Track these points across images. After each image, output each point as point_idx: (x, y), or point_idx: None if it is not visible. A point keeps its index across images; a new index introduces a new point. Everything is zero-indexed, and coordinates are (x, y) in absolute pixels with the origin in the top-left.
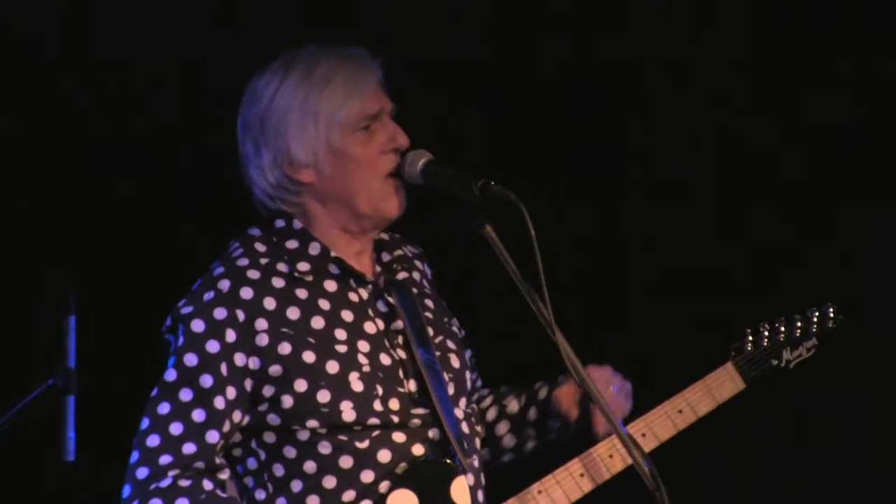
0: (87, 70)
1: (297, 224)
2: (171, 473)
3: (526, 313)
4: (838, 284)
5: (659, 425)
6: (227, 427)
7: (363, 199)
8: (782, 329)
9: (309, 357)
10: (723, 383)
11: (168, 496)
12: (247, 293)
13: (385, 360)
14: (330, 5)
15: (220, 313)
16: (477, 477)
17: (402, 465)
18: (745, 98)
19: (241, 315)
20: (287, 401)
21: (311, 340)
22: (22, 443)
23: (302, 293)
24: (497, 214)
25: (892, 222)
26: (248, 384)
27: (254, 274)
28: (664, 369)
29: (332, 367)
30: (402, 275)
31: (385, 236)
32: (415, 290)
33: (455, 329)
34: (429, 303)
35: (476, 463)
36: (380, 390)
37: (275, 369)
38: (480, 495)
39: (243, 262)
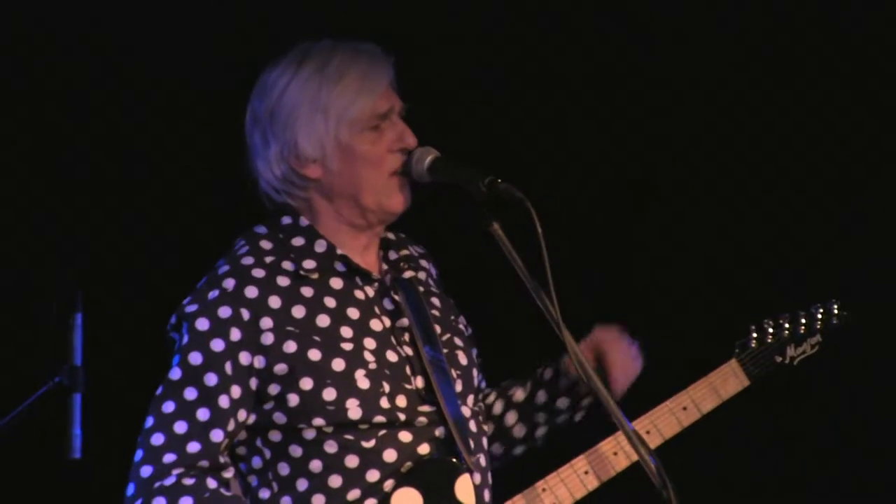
0: (88, 67)
1: (304, 221)
2: (176, 472)
3: (533, 311)
4: (843, 281)
5: (664, 422)
6: (231, 426)
7: (368, 195)
8: (786, 326)
9: (315, 355)
10: (727, 380)
11: (172, 494)
12: (252, 292)
13: (392, 357)
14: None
15: (224, 312)
16: (483, 476)
17: (408, 464)
18: (750, 96)
19: (245, 314)
20: (293, 399)
21: (317, 338)
22: (28, 440)
23: (307, 291)
24: (505, 212)
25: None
26: (253, 383)
27: (259, 272)
28: (668, 366)
29: (338, 364)
30: (408, 273)
31: (391, 236)
32: (421, 289)
33: (462, 327)
34: (435, 301)
35: (483, 462)
36: (386, 387)
37: (280, 368)
38: (487, 495)
39: (248, 260)
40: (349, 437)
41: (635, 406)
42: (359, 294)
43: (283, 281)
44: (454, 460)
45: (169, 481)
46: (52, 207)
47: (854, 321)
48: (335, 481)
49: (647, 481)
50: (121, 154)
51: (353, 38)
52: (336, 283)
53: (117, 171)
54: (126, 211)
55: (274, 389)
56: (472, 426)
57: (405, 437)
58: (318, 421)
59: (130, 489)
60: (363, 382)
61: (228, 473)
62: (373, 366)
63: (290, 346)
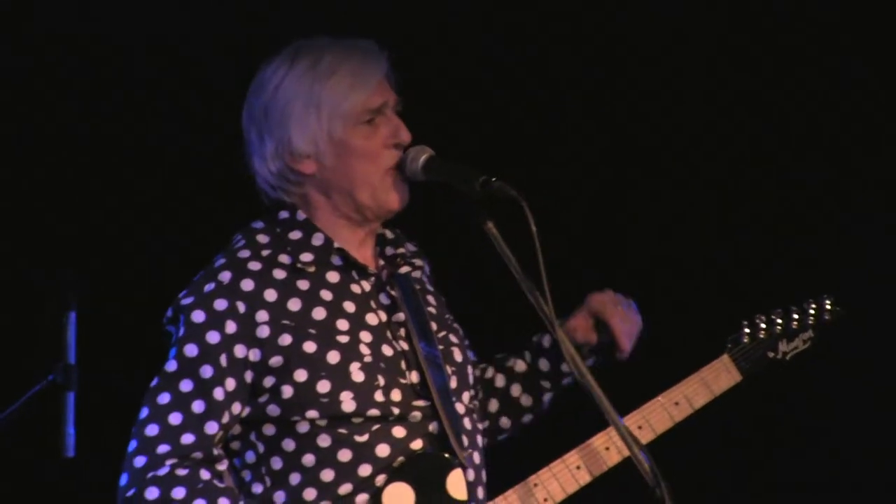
0: (84, 64)
1: (301, 215)
2: (169, 462)
3: (527, 309)
4: (835, 276)
5: (656, 418)
6: (226, 418)
7: (365, 191)
8: (779, 321)
9: (310, 347)
10: (719, 376)
11: (165, 484)
12: (248, 285)
13: (387, 351)
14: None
15: (220, 304)
16: (477, 473)
17: (400, 459)
18: (745, 92)
19: (241, 307)
20: (287, 391)
21: (312, 331)
22: (22, 439)
23: (304, 284)
24: (499, 210)
25: (890, 217)
26: (248, 376)
27: (255, 265)
28: (661, 361)
29: (333, 357)
30: (404, 268)
31: (388, 232)
32: (416, 286)
33: (456, 325)
34: (430, 298)
35: (477, 459)
36: (381, 381)
37: (275, 360)
38: (480, 491)
39: (245, 253)
40: (342, 430)
41: (627, 401)
42: (355, 288)
43: (279, 274)
44: (446, 455)
45: (162, 471)
46: (46, 206)
47: (846, 317)
48: (327, 475)
49: (639, 477)
50: (114, 152)
51: (349, 35)
52: (332, 276)
53: (111, 169)
54: (121, 209)
55: (269, 381)
56: (467, 423)
57: (399, 432)
58: (312, 413)
59: (124, 479)
60: (358, 375)
61: (222, 466)
62: (368, 359)
63: (286, 339)
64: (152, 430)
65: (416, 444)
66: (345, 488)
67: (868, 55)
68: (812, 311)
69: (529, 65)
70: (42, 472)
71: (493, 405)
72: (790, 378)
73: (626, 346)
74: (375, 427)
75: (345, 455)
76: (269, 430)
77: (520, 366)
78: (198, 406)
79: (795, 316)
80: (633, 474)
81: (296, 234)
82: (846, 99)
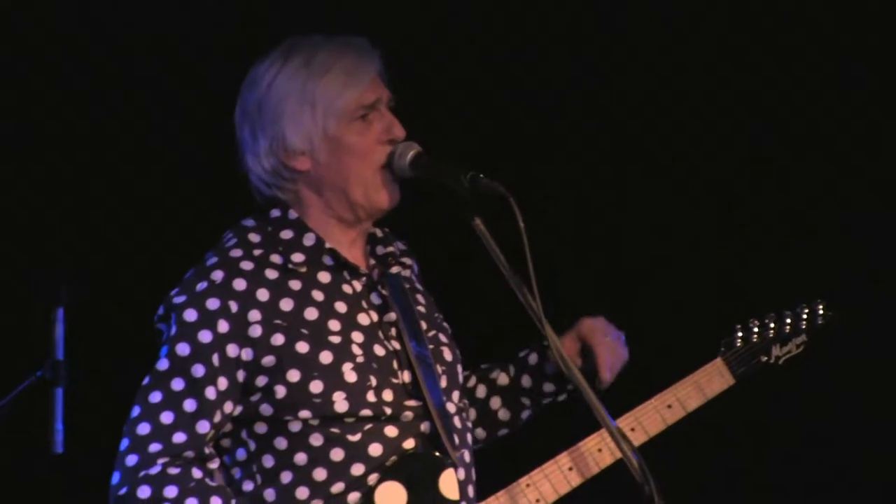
0: (80, 61)
1: (293, 214)
2: (161, 461)
3: (515, 307)
4: (828, 281)
5: (648, 420)
6: (218, 417)
7: (357, 189)
8: (772, 325)
9: (302, 347)
10: (712, 379)
11: (157, 483)
12: (240, 284)
13: (379, 351)
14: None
15: (212, 304)
16: (468, 472)
17: (392, 458)
18: (742, 93)
19: (234, 306)
20: (280, 391)
21: (305, 331)
22: (10, 435)
23: (295, 284)
24: (488, 206)
25: (886, 219)
26: (240, 375)
27: (247, 265)
28: (654, 364)
29: (326, 357)
30: (395, 268)
31: (378, 232)
32: (406, 286)
33: (445, 325)
34: (420, 297)
35: (467, 458)
36: (373, 381)
37: (268, 360)
38: (471, 490)
39: (237, 252)
40: (335, 430)
41: (620, 403)
42: (346, 288)
43: (271, 274)
44: (438, 455)
45: (154, 470)
46: (35, 202)
47: (839, 322)
48: (320, 474)
49: (630, 479)
50: (103, 148)
51: (344, 33)
52: (324, 276)
53: (100, 165)
54: (111, 205)
55: (261, 381)
56: (457, 422)
57: (391, 431)
58: (305, 413)
59: (115, 477)
60: (350, 376)
61: (213, 464)
62: (360, 359)
63: (278, 339)
64: (144, 428)
65: (409, 444)
66: (337, 487)
67: (867, 55)
68: (805, 316)
69: (524, 62)
70: (30, 468)
71: (471, 414)
72: (783, 379)
73: (607, 378)
74: (368, 427)
75: (337, 454)
76: (260, 428)
77: (502, 379)
78: (189, 405)
79: (789, 320)
80: (625, 475)
81: (287, 234)
82: (844, 99)
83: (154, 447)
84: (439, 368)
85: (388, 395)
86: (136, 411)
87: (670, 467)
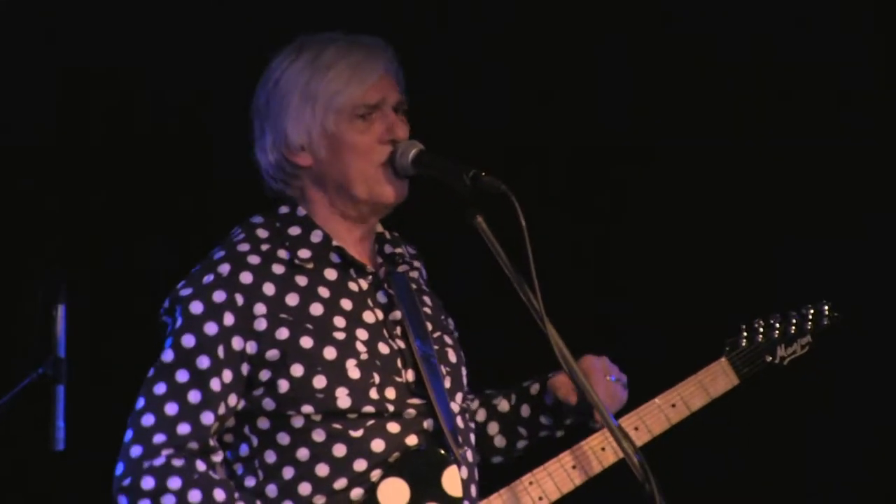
0: (79, 60)
1: (301, 211)
2: (165, 453)
3: (517, 306)
4: (835, 281)
5: (652, 419)
6: (222, 409)
7: (360, 185)
8: (777, 325)
9: (307, 342)
10: (716, 378)
11: (161, 475)
12: (246, 278)
13: (383, 349)
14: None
15: (219, 296)
16: (470, 470)
17: (395, 455)
18: (742, 94)
19: (239, 299)
20: (283, 385)
21: (310, 326)
22: (11, 432)
23: (302, 280)
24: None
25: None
26: (244, 368)
27: (254, 259)
28: (659, 363)
29: (330, 353)
30: (402, 268)
31: (387, 233)
32: (414, 287)
33: (452, 327)
34: (426, 299)
35: (469, 457)
36: (377, 378)
37: (272, 354)
38: (473, 489)
39: (244, 247)
40: (337, 426)
41: (627, 400)
42: (353, 286)
43: (277, 269)
44: (442, 452)
45: (158, 462)
46: (37, 199)
47: (844, 323)
48: (322, 470)
49: (632, 477)
50: (104, 145)
51: (362, 32)
52: (330, 273)
53: (102, 162)
54: (111, 203)
55: (265, 375)
56: (460, 421)
57: (393, 427)
58: (307, 408)
59: (119, 468)
60: (354, 372)
61: (217, 457)
62: (364, 356)
63: (283, 333)
64: (148, 420)
65: (412, 440)
66: (340, 483)
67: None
68: (811, 317)
69: (520, 55)
70: (31, 465)
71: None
72: (788, 378)
73: (599, 419)
74: (370, 423)
75: (339, 450)
76: (263, 423)
77: (503, 405)
78: (194, 396)
79: (794, 321)
80: (626, 474)
81: (295, 230)
82: (845, 101)
83: (158, 438)
84: (443, 369)
85: (390, 393)
86: (140, 403)
87: (670, 466)
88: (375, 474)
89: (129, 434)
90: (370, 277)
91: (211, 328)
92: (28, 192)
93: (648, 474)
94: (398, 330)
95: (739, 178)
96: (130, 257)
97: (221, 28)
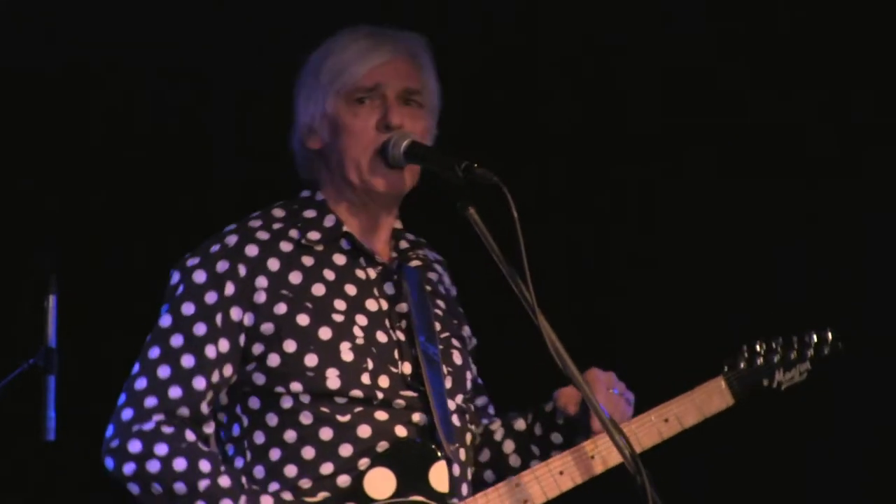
0: (79, 60)
1: (320, 196)
2: (156, 418)
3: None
4: (841, 308)
5: (644, 432)
6: (215, 377)
7: (352, 171)
8: (778, 349)
9: (303, 320)
10: (711, 397)
11: (148, 439)
12: (252, 251)
13: (381, 337)
14: None
15: (222, 266)
16: (463, 469)
17: (384, 444)
18: (746, 109)
19: (242, 270)
20: (274, 359)
21: (309, 305)
22: (2, 422)
23: (308, 260)
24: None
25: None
26: (241, 339)
27: (263, 235)
28: (658, 374)
29: (325, 333)
30: (414, 263)
31: (410, 235)
32: (428, 288)
33: (466, 336)
34: (440, 303)
35: (463, 456)
36: (370, 364)
37: (266, 327)
38: (465, 488)
39: (256, 223)
40: (325, 409)
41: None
42: (360, 273)
43: (285, 246)
44: (433, 446)
45: (148, 426)
46: (27, 191)
47: (846, 353)
48: (308, 453)
49: (626, 479)
50: (96, 137)
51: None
52: (339, 259)
53: (93, 153)
54: (100, 194)
55: (258, 349)
56: (456, 420)
57: (381, 415)
58: (296, 386)
59: (110, 430)
60: (347, 355)
61: (209, 428)
62: (360, 342)
63: (281, 308)
64: (141, 383)
65: (400, 431)
66: (326, 468)
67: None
68: (813, 344)
69: (520, 53)
70: (23, 455)
71: (485, 455)
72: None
73: (597, 429)
74: (358, 409)
75: (326, 433)
76: (254, 403)
77: (519, 424)
78: (187, 361)
79: (795, 346)
80: (621, 473)
81: (310, 213)
82: (845, 117)
83: (149, 402)
84: (445, 369)
85: (384, 381)
86: (136, 367)
87: (664, 463)
88: (363, 463)
89: (122, 397)
90: (380, 268)
91: (211, 297)
92: (19, 183)
93: (640, 466)
94: (402, 323)
95: (760, 190)
96: (122, 248)
97: (221, 28)
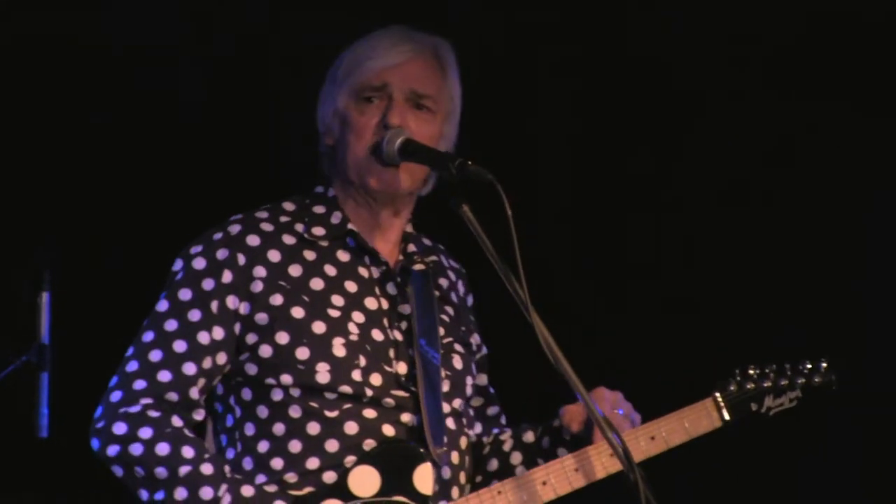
0: (79, 59)
1: (331, 192)
2: (143, 402)
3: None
4: (837, 339)
5: (629, 448)
6: (207, 364)
7: (352, 168)
8: (770, 375)
9: (298, 313)
10: (699, 419)
11: (133, 422)
12: (253, 240)
13: (377, 335)
14: None
15: (222, 254)
16: (454, 472)
17: (371, 442)
18: (750, 129)
19: (241, 258)
20: (266, 350)
21: (305, 299)
22: None
23: (310, 255)
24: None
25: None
26: (237, 328)
27: (267, 227)
28: (650, 390)
29: (319, 327)
30: (418, 266)
31: (426, 240)
32: (437, 293)
33: (473, 344)
34: (448, 309)
35: (456, 459)
36: (363, 361)
37: (261, 317)
38: (455, 491)
39: (262, 215)
40: (314, 404)
41: None
42: (362, 271)
43: (288, 239)
44: (420, 449)
45: (134, 409)
46: (21, 187)
47: (837, 384)
48: (294, 446)
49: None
50: (90, 133)
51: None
52: (343, 255)
53: (87, 149)
54: (95, 190)
55: (251, 339)
56: (450, 423)
57: (369, 413)
58: (287, 378)
59: (98, 411)
60: (339, 350)
61: (199, 415)
62: (354, 338)
63: (277, 299)
64: (132, 366)
65: (388, 430)
66: (312, 463)
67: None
68: (805, 372)
69: (520, 53)
70: (15, 452)
71: (493, 465)
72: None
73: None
74: (347, 406)
75: (313, 428)
76: (246, 394)
77: (528, 436)
78: (179, 346)
79: (788, 373)
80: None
81: (319, 209)
82: (844, 137)
83: (139, 385)
84: (444, 373)
85: (375, 379)
86: (129, 351)
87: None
88: (349, 460)
89: (114, 379)
90: (383, 267)
91: (208, 283)
92: (13, 180)
93: (632, 463)
94: (402, 324)
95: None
96: (115, 244)
97: (222, 28)
